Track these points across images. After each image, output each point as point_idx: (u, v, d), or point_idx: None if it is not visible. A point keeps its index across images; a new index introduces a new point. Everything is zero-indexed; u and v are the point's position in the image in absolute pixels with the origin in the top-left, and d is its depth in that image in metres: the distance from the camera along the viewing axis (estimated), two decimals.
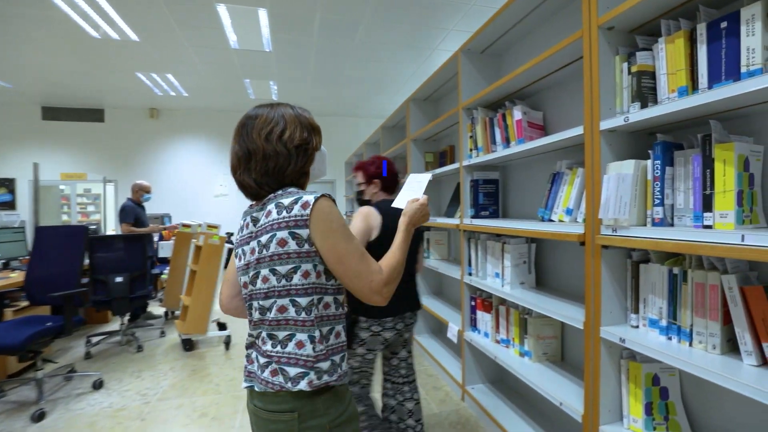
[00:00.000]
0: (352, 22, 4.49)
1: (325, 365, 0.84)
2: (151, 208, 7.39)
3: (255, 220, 0.90)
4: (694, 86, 1.07)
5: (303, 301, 0.84)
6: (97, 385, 2.58)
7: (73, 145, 7.62)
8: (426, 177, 1.17)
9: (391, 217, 1.54)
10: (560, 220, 1.57)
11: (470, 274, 2.21)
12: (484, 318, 2.14)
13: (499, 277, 1.97)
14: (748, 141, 1.02)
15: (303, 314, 0.84)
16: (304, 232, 0.83)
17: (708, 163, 1.01)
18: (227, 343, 3.33)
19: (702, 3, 1.10)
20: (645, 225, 1.16)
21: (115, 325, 4.01)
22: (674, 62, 1.10)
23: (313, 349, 0.84)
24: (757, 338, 0.96)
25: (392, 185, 1.76)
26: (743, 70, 0.95)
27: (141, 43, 4.95)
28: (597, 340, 1.29)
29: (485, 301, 2.13)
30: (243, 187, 0.93)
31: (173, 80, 6.31)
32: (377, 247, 1.48)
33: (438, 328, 3.32)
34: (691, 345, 1.09)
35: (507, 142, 1.91)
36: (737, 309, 0.98)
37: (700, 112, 1.06)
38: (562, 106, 1.84)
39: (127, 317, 3.50)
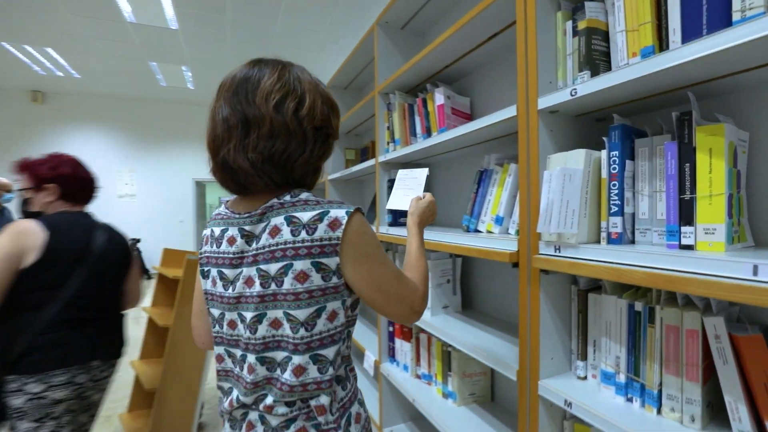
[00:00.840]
0: (269, 0, 3.96)
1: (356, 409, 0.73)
2: None
3: (249, 237, 0.68)
4: (662, 46, 0.75)
5: (329, 352, 0.67)
6: None
7: None
8: (423, 172, 1.09)
9: (66, 236, 1.18)
10: (489, 231, 1.23)
11: None
12: (404, 348, 1.75)
13: None
14: (729, 121, 0.73)
15: (330, 370, 0.67)
16: (332, 262, 0.65)
17: (687, 155, 0.69)
18: None
19: None
20: (599, 242, 0.83)
21: None
22: (636, 14, 0.78)
23: (331, 411, 0.68)
24: (755, 413, 0.65)
25: (79, 192, 1.35)
26: (736, 17, 0.64)
27: (1, 4, 3.98)
28: (534, 397, 0.94)
29: (404, 327, 1.75)
30: (227, 170, 0.68)
31: (57, 57, 5.27)
32: (30, 277, 1.11)
33: (360, 355, 2.90)
34: (659, 412, 0.77)
35: (428, 132, 1.55)
36: (727, 368, 0.67)
37: (672, 82, 0.75)
38: (493, 90, 1.52)
39: None
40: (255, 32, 4.67)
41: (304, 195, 0.69)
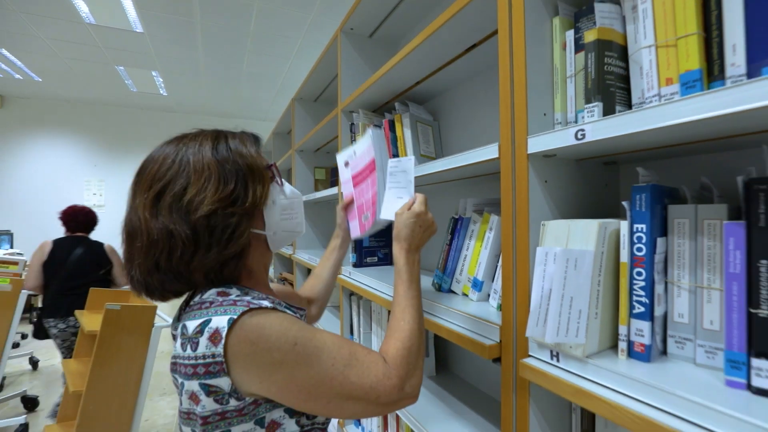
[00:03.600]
0: (241, 4, 3.68)
1: None
2: None
3: (174, 337, 0.59)
4: (712, 71, 0.50)
5: None
6: None
7: None
8: (410, 162, 0.80)
9: (59, 249, 2.35)
10: (465, 294, 0.97)
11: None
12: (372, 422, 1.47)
13: None
14: None
15: None
16: (223, 383, 0.51)
17: (763, 245, 0.44)
18: None
19: None
20: (615, 354, 0.57)
21: None
22: (673, 22, 0.53)
23: None
24: None
25: (70, 225, 2.52)
26: None
27: None
28: None
29: None
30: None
31: (12, 58, 4.88)
32: (44, 268, 2.29)
33: None
34: None
35: (396, 158, 1.28)
36: None
37: (730, 128, 0.50)
38: (473, 113, 1.26)
39: None
40: (227, 38, 4.38)
41: (209, 294, 0.56)
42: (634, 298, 0.54)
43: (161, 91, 6.20)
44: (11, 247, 5.60)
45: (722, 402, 0.41)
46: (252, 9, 3.79)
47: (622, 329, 0.55)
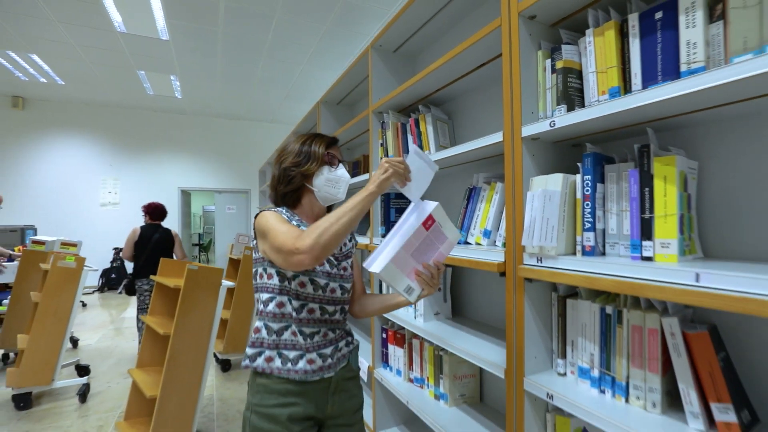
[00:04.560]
0: (262, 15, 4.05)
1: (270, 353, 0.97)
2: (10, 219, 6.03)
3: None
4: (626, 87, 0.89)
5: (260, 297, 1.01)
6: None
7: None
8: (412, 148, 0.96)
9: (145, 232, 3.33)
10: (477, 243, 1.35)
11: None
12: (396, 353, 1.85)
13: (411, 307, 1.70)
14: (682, 155, 0.87)
15: (261, 307, 1.00)
16: (254, 242, 1.03)
17: (646, 180, 0.82)
18: (84, 393, 2.60)
19: None
20: (574, 254, 0.95)
21: None
22: (604, 59, 0.91)
23: (267, 334, 0.98)
24: (703, 397, 0.78)
25: (153, 215, 3.47)
26: (683, 68, 0.78)
27: None
28: (520, 392, 1.05)
29: (397, 333, 1.84)
30: None
31: (41, 63, 5.22)
32: (136, 245, 3.28)
33: None
34: (627, 401, 0.89)
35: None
36: (681, 360, 0.79)
37: (635, 119, 0.89)
38: (478, 113, 1.65)
39: None
40: (245, 45, 4.75)
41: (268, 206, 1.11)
42: (585, 219, 0.92)
43: (176, 94, 6.54)
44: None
45: (627, 266, 0.79)
46: (272, 19, 4.16)
47: (578, 238, 0.93)
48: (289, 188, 1.05)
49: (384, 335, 1.93)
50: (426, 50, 2.02)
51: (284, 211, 1.04)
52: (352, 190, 2.85)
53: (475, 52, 1.31)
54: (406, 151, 1.75)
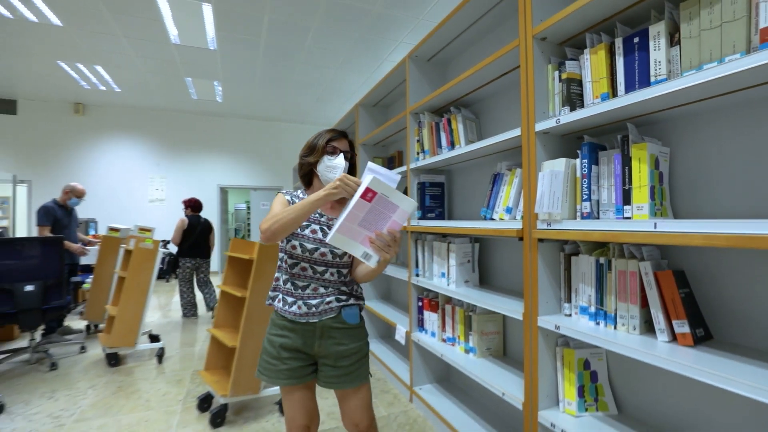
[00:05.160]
0: (301, 26, 4.46)
1: (278, 296, 1.26)
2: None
3: None
4: (614, 92, 1.19)
5: (279, 254, 1.30)
6: None
7: None
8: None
9: (191, 221, 4.34)
10: (501, 219, 1.66)
11: (417, 275, 2.25)
12: (431, 318, 2.17)
13: (444, 276, 2.03)
14: (657, 143, 1.16)
15: (279, 262, 1.29)
16: None
17: (626, 162, 1.12)
18: (160, 356, 3.06)
19: (619, 20, 1.23)
20: (575, 218, 1.26)
21: (23, 342, 3.54)
22: (597, 71, 1.21)
23: (278, 282, 1.27)
24: (668, 317, 1.07)
25: (194, 208, 4.48)
26: (652, 79, 1.07)
27: (64, 28, 4.52)
28: (535, 329, 1.36)
29: (432, 301, 2.17)
30: None
31: (103, 73, 5.82)
32: (184, 234, 4.32)
33: (386, 333, 3.32)
34: (615, 328, 1.19)
35: (452, 145, 1.98)
36: (652, 292, 1.09)
37: (620, 116, 1.19)
38: (499, 113, 1.96)
39: (38, 332, 3.10)
40: (283, 52, 5.17)
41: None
42: (582, 192, 1.22)
43: (218, 98, 7.07)
44: (96, 232, 6.55)
45: (611, 222, 1.10)
46: (310, 30, 4.56)
47: (578, 207, 1.24)
48: (302, 173, 1.32)
49: (420, 303, 2.26)
50: (455, 59, 2.34)
51: (300, 192, 1.32)
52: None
53: (498, 65, 1.62)
54: (439, 146, 2.08)
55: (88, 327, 3.86)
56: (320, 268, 1.22)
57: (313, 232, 1.24)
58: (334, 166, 1.25)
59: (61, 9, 4.11)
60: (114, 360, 2.95)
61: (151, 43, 4.91)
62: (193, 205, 4.50)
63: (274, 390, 2.24)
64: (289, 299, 1.22)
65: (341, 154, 1.26)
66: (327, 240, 1.02)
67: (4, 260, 2.75)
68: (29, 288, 2.81)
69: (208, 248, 4.50)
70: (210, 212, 8.09)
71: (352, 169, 1.32)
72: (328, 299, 1.22)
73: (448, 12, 4.15)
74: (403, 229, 2.31)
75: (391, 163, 3.09)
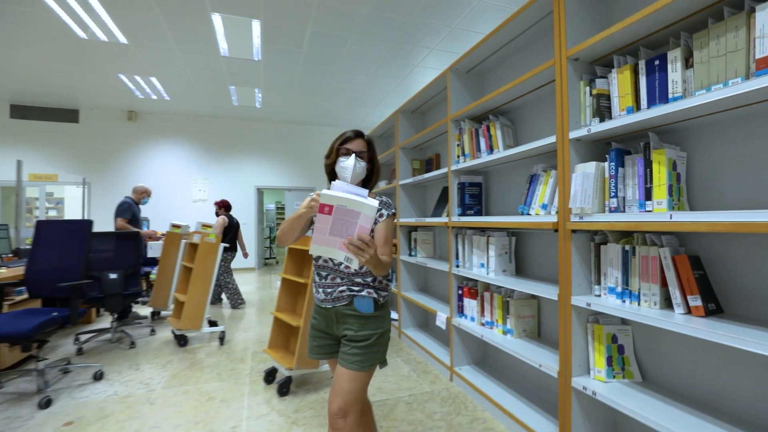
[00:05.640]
0: (341, 36, 4.78)
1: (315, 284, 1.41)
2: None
3: None
4: (637, 106, 1.41)
5: None
6: (98, 376, 2.64)
7: (44, 145, 7.41)
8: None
9: (229, 220, 4.97)
10: (537, 214, 1.89)
11: (457, 266, 2.50)
12: (471, 304, 2.42)
13: (484, 267, 2.27)
14: (675, 148, 1.37)
15: None
16: None
17: (648, 164, 1.35)
18: (221, 338, 3.44)
19: (642, 45, 1.45)
20: (604, 212, 1.49)
21: (101, 323, 4.00)
22: (623, 88, 1.44)
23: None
24: (683, 293, 1.29)
25: (227, 208, 5.03)
26: (670, 95, 1.29)
27: (129, 45, 5.02)
28: (569, 308, 1.59)
29: (471, 289, 2.42)
30: None
31: (157, 84, 6.35)
32: (225, 230, 4.86)
33: (423, 322, 3.58)
34: (639, 304, 1.41)
35: (491, 149, 2.23)
36: (670, 273, 1.31)
37: (642, 126, 1.41)
38: (533, 121, 2.19)
39: (115, 315, 3.54)
40: (321, 61, 5.52)
41: None
42: (610, 190, 1.45)
43: (257, 104, 7.52)
44: (147, 228, 7.09)
45: (634, 215, 1.33)
46: (348, 40, 4.88)
47: (606, 202, 1.46)
48: (326, 171, 1.41)
49: (460, 291, 2.51)
50: (491, 71, 2.58)
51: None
52: (423, 185, 3.45)
53: (535, 80, 1.86)
54: (479, 150, 2.32)
55: (153, 313, 4.31)
56: (336, 261, 1.31)
57: None
58: (344, 167, 1.34)
59: (128, 28, 4.58)
60: (183, 341, 3.34)
61: (202, 56, 5.36)
62: (226, 205, 5.05)
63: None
64: (319, 288, 1.36)
65: (352, 156, 1.34)
66: (309, 252, 1.15)
67: (95, 251, 3.19)
68: (113, 276, 3.23)
69: (236, 243, 5.08)
70: (248, 212, 8.58)
71: (371, 168, 1.40)
72: (341, 288, 1.31)
73: (481, 19, 4.38)
74: (443, 224, 2.56)
75: (429, 165, 3.35)
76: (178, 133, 8.14)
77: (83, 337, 3.50)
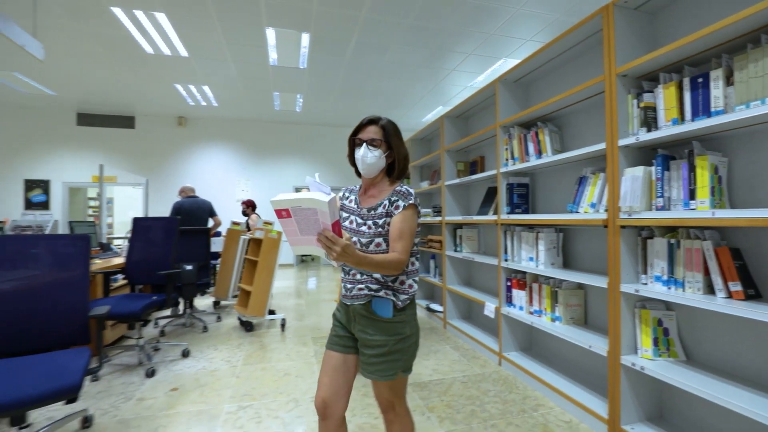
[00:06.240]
0: (383, 45, 5.07)
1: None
2: None
3: None
4: (682, 118, 1.61)
5: None
6: (186, 354, 3.04)
7: (105, 149, 8.07)
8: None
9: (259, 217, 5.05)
10: (585, 212, 2.11)
11: (506, 260, 2.73)
12: (519, 295, 2.65)
13: (533, 260, 2.50)
14: (717, 155, 1.57)
15: None
16: None
17: (692, 168, 1.55)
18: (283, 325, 3.79)
19: (686, 63, 1.65)
20: (651, 210, 1.70)
21: (166, 313, 4.46)
22: (668, 101, 1.65)
23: None
24: (725, 280, 1.49)
25: (253, 206, 5.46)
26: (712, 109, 1.50)
27: (188, 58, 5.48)
28: (618, 294, 1.81)
29: (520, 280, 2.65)
30: None
31: (208, 91, 6.84)
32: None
33: (467, 313, 3.82)
34: (684, 290, 1.62)
35: (539, 153, 2.45)
36: (712, 262, 1.51)
37: (687, 136, 1.61)
38: (579, 127, 2.39)
39: (188, 303, 3.96)
40: (362, 68, 5.83)
41: None
42: (657, 191, 1.66)
43: (297, 109, 7.92)
44: None
45: (679, 212, 1.54)
46: (389, 48, 5.16)
47: (653, 202, 1.68)
48: (351, 161, 1.35)
49: (508, 283, 2.75)
50: (537, 82, 2.79)
51: (357, 186, 1.41)
52: (466, 185, 3.69)
53: (583, 92, 2.08)
54: (527, 154, 2.55)
55: (214, 302, 4.74)
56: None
57: (350, 222, 1.29)
58: (357, 159, 1.30)
59: (190, 42, 5.03)
60: (249, 327, 3.72)
61: (252, 66, 5.77)
62: (252, 205, 5.49)
63: None
64: (343, 280, 1.32)
65: (363, 145, 1.27)
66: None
67: (180, 246, 3.61)
68: (189, 267, 3.64)
69: None
70: None
71: (393, 156, 1.29)
72: (359, 286, 1.24)
73: (519, 25, 4.56)
74: (493, 222, 2.80)
75: (473, 166, 3.58)
76: (224, 136, 8.66)
77: (161, 322, 3.94)
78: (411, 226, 1.22)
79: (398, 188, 1.25)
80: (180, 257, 3.65)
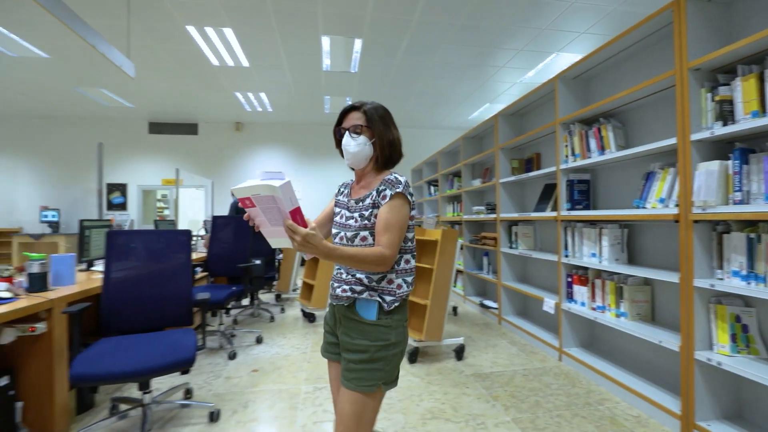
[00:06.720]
0: (433, 46, 5.16)
1: None
2: None
3: None
4: (763, 110, 1.59)
5: None
6: (259, 340, 3.33)
7: (172, 154, 8.81)
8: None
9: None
10: (653, 207, 2.10)
11: (566, 256, 2.75)
12: (581, 290, 2.66)
13: (596, 256, 2.50)
14: None
15: None
16: None
17: (758, 159, 1.53)
18: None
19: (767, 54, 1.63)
20: (727, 204, 1.68)
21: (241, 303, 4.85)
22: (748, 94, 1.63)
23: None
24: None
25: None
26: None
27: (249, 68, 5.88)
28: (691, 289, 1.80)
29: (581, 276, 2.66)
30: None
31: (264, 98, 7.27)
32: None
33: (522, 309, 3.84)
34: (766, 286, 1.59)
35: (602, 149, 2.45)
36: None
37: (757, 132, 1.59)
38: (643, 122, 2.37)
39: (257, 295, 4.29)
40: (411, 69, 5.95)
41: None
42: (734, 185, 1.65)
43: None
44: None
45: (759, 206, 1.53)
46: (439, 48, 5.24)
47: (729, 196, 1.66)
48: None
49: (569, 279, 2.76)
50: (598, 77, 2.77)
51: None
52: (521, 182, 3.71)
53: (651, 87, 2.07)
54: (588, 150, 2.55)
55: (276, 295, 5.08)
56: None
57: (340, 216, 1.21)
58: (343, 148, 1.21)
59: (251, 53, 5.40)
60: (312, 318, 3.98)
61: (307, 72, 6.08)
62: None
63: (453, 339, 2.93)
64: (331, 279, 1.24)
65: (345, 133, 1.19)
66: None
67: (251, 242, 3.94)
68: (257, 261, 3.95)
69: None
70: None
71: (379, 138, 1.19)
72: (344, 286, 1.15)
73: (573, 19, 4.48)
74: (552, 218, 2.83)
75: (528, 164, 3.60)
76: (277, 141, 9.14)
77: (232, 312, 4.30)
78: (399, 217, 1.10)
79: (387, 177, 1.15)
80: (252, 252, 3.98)
